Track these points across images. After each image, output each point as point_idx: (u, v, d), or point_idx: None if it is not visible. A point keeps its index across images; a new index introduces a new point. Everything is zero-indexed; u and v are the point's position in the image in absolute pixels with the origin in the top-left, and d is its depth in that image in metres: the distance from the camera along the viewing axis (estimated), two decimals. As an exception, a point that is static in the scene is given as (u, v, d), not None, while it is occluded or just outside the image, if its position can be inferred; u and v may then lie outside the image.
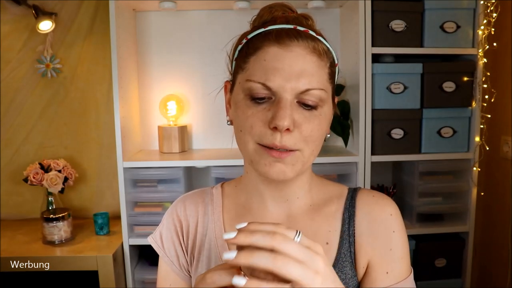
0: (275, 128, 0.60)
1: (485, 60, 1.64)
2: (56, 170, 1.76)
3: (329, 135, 0.71)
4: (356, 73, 1.63)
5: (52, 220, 1.64)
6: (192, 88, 1.89)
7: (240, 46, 0.68)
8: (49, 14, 1.78)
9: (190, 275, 0.77)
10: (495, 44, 1.62)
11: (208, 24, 1.85)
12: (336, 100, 0.72)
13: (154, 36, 1.86)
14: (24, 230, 1.81)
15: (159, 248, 0.79)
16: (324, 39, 0.66)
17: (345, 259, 0.69)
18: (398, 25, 1.61)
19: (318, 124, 0.63)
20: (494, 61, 1.73)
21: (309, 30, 0.64)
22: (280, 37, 0.62)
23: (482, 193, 1.76)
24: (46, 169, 1.76)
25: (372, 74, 1.62)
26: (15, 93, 1.88)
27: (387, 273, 0.67)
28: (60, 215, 1.65)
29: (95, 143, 1.93)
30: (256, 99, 0.62)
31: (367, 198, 0.73)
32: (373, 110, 1.64)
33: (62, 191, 1.78)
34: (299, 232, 0.47)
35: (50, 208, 1.79)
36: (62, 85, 1.90)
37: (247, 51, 0.65)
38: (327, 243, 0.70)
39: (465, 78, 1.65)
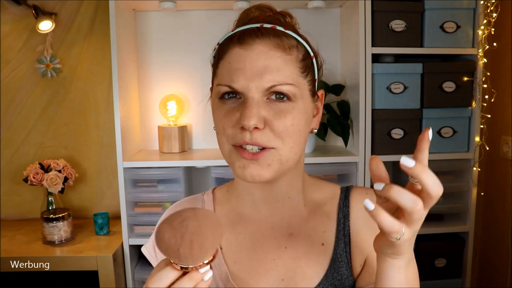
0: (243, 128, 0.60)
1: (485, 60, 1.64)
2: (56, 170, 1.76)
3: (315, 130, 0.70)
4: (356, 73, 1.63)
5: (52, 220, 1.64)
6: (192, 88, 1.89)
7: (213, 52, 0.69)
8: (49, 14, 1.78)
9: None
10: (495, 44, 1.62)
11: (208, 24, 1.85)
12: (321, 93, 0.71)
13: (154, 36, 1.86)
14: (24, 230, 1.81)
15: (152, 258, 0.79)
16: (296, 33, 0.65)
17: (341, 259, 0.69)
18: (398, 25, 1.61)
19: (292, 119, 0.61)
20: (494, 61, 1.73)
21: (276, 26, 0.63)
22: (242, 38, 0.62)
23: (482, 193, 1.76)
24: (46, 169, 1.76)
25: (372, 74, 1.62)
26: (15, 93, 1.88)
27: None
28: (60, 215, 1.65)
29: (95, 143, 1.93)
30: (222, 96, 0.63)
31: (361, 195, 0.73)
32: (373, 110, 1.64)
33: (62, 191, 1.78)
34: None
35: (50, 208, 1.79)
36: (62, 85, 1.90)
37: (218, 56, 0.67)
38: (322, 244, 0.70)
39: (465, 78, 1.65)
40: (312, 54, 0.67)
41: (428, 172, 0.46)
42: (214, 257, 0.53)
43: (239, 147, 0.62)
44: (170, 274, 0.52)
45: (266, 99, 0.61)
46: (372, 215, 0.48)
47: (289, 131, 0.61)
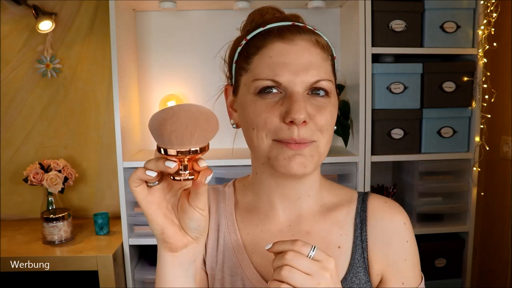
0: (291, 122, 0.60)
1: (485, 60, 1.64)
2: (56, 170, 1.76)
3: (335, 127, 0.71)
4: (356, 73, 1.63)
5: (52, 220, 1.64)
6: (192, 88, 1.89)
7: (239, 48, 0.68)
8: (49, 14, 1.78)
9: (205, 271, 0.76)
10: (495, 44, 1.62)
11: (208, 24, 1.85)
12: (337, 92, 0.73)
13: (154, 36, 1.86)
14: (24, 230, 1.81)
15: None
16: (321, 33, 0.67)
17: (359, 264, 0.68)
18: (398, 25, 1.61)
19: (329, 112, 0.63)
20: (494, 61, 1.73)
21: (307, 25, 0.65)
22: (282, 33, 0.63)
23: (482, 193, 1.76)
24: (46, 169, 1.76)
25: (372, 74, 1.62)
26: (15, 93, 1.88)
27: (402, 283, 0.68)
28: (60, 215, 1.65)
29: (95, 143, 1.93)
30: (263, 91, 0.62)
31: (379, 204, 0.72)
32: (373, 110, 1.64)
33: (62, 191, 1.78)
34: (314, 247, 0.53)
35: (50, 208, 1.79)
36: (62, 85, 1.90)
37: (248, 51, 0.65)
38: (339, 247, 0.69)
39: (465, 78, 1.65)
40: (335, 55, 0.69)
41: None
42: (203, 150, 0.50)
43: (281, 141, 0.62)
44: (159, 162, 0.51)
45: (307, 94, 0.62)
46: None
47: (328, 125, 0.63)
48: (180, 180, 0.51)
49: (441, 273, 1.76)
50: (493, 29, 1.62)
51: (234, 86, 0.70)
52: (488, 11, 1.61)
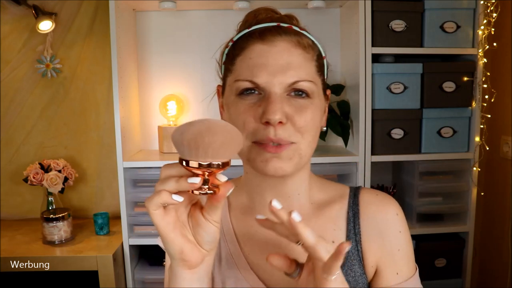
0: (267, 123, 0.60)
1: (485, 60, 1.64)
2: (56, 170, 1.76)
3: (325, 128, 0.71)
4: (356, 73, 1.63)
5: (52, 220, 1.64)
6: (192, 88, 1.89)
7: (227, 50, 0.69)
8: (49, 14, 1.78)
9: None
10: (495, 44, 1.62)
11: (208, 24, 1.85)
12: (328, 92, 0.73)
13: (154, 36, 1.86)
14: (24, 230, 1.81)
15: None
16: (308, 33, 0.67)
17: (353, 257, 0.69)
18: (398, 25, 1.61)
19: (311, 114, 0.63)
20: (494, 61, 1.73)
21: (292, 26, 0.65)
22: (263, 34, 0.63)
23: (482, 193, 1.76)
24: (46, 169, 1.76)
25: (372, 74, 1.62)
26: (15, 93, 1.88)
27: (397, 273, 0.69)
28: (60, 215, 1.65)
29: (95, 143, 1.93)
30: (242, 92, 0.63)
31: (371, 197, 0.73)
32: (373, 110, 1.64)
33: (62, 191, 1.78)
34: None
35: (50, 208, 1.79)
36: (62, 85, 1.90)
37: (233, 52, 0.66)
38: (333, 242, 0.70)
39: (465, 78, 1.65)
40: (324, 54, 0.69)
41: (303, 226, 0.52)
42: (220, 168, 0.49)
43: (260, 143, 0.62)
44: (177, 168, 0.51)
45: (287, 95, 0.62)
46: (295, 227, 0.51)
47: (309, 126, 0.63)
48: (199, 194, 0.50)
49: (441, 273, 1.76)
50: (493, 29, 1.62)
51: (222, 87, 0.71)
52: (488, 11, 1.61)
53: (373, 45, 1.60)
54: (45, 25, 1.77)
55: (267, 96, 0.61)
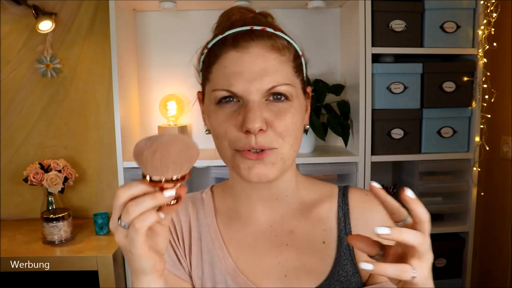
0: (247, 132, 0.60)
1: (485, 60, 1.64)
2: (56, 170, 1.76)
3: (308, 126, 0.71)
4: (356, 73, 1.63)
5: (52, 220, 1.64)
6: (192, 88, 1.86)
7: (202, 57, 0.69)
8: (49, 14, 1.78)
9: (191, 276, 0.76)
10: (495, 44, 1.62)
11: (208, 24, 1.84)
12: (309, 90, 0.72)
13: (154, 36, 1.86)
14: (24, 230, 1.81)
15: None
16: (284, 33, 0.66)
17: (345, 257, 0.69)
18: (398, 25, 1.61)
19: (291, 117, 0.63)
20: (494, 61, 1.73)
21: (266, 28, 0.64)
22: (236, 41, 0.62)
23: (482, 193, 1.76)
24: (46, 169, 1.76)
25: (372, 74, 1.62)
26: (15, 93, 1.88)
27: None
28: (60, 215, 1.65)
29: (95, 143, 1.93)
30: (221, 101, 0.63)
31: (360, 196, 0.73)
32: (373, 110, 1.64)
33: (62, 191, 1.78)
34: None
35: (50, 208, 1.79)
36: (62, 85, 1.90)
37: (209, 60, 0.66)
38: (323, 242, 0.70)
39: (465, 78, 1.65)
40: (300, 53, 0.68)
41: (419, 202, 0.51)
42: (179, 180, 0.53)
43: (242, 150, 0.62)
44: (139, 186, 0.52)
45: (265, 100, 0.62)
46: (377, 272, 0.49)
47: (289, 130, 0.62)
48: (172, 204, 0.53)
49: (441, 273, 1.76)
50: (493, 29, 1.62)
51: (202, 94, 0.72)
52: (488, 11, 1.61)
53: (373, 45, 1.60)
54: (45, 25, 1.77)
55: (245, 104, 0.61)
